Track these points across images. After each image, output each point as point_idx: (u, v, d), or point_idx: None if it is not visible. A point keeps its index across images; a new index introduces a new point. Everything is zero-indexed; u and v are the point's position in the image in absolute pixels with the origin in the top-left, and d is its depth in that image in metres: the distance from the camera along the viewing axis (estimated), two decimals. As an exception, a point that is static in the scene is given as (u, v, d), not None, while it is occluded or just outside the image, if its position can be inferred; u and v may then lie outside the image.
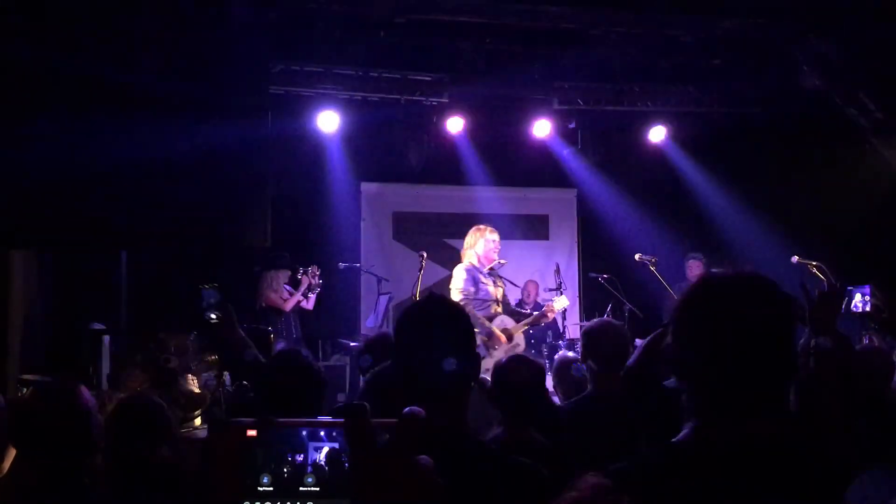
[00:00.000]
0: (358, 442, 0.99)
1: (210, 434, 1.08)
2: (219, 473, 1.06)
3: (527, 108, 8.94)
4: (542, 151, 9.36)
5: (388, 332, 4.62)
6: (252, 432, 1.06)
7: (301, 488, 1.06)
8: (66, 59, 6.02)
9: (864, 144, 8.98)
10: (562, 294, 7.15)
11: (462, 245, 9.60)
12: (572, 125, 9.29)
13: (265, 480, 1.05)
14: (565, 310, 8.17)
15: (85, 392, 2.35)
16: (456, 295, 6.36)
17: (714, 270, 1.47)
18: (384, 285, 8.42)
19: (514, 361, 3.04)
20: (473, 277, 6.43)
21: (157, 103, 6.56)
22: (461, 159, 9.19)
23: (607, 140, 9.36)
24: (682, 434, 1.41)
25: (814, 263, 6.79)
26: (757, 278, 1.43)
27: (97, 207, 6.92)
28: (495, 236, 6.55)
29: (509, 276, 9.44)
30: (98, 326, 6.05)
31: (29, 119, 5.87)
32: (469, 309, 6.15)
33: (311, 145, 8.58)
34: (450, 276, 9.44)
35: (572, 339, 7.68)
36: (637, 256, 7.24)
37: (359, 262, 8.99)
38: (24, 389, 3.50)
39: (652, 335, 2.94)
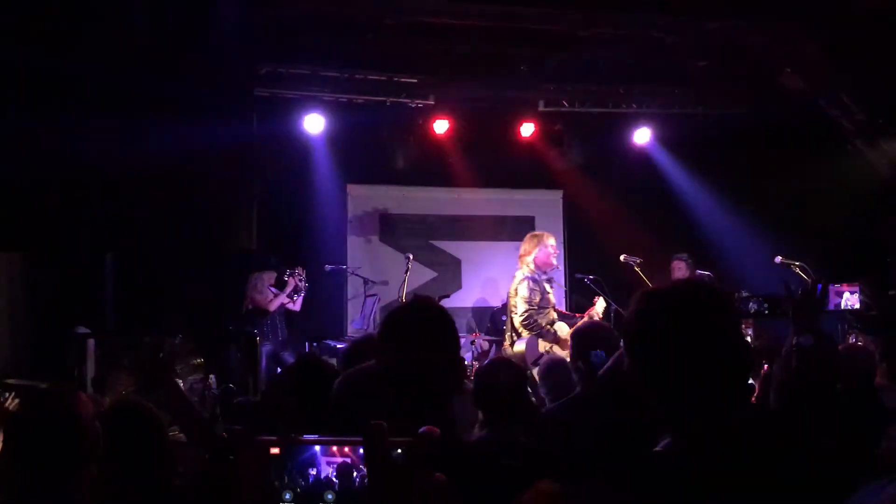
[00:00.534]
0: (375, 460, 1.02)
1: (238, 451, 1.10)
2: (244, 490, 1.09)
3: (512, 110, 8.97)
4: (527, 153, 9.38)
5: (373, 334, 4.63)
6: (275, 450, 1.09)
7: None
8: (49, 59, 5.99)
9: (847, 145, 9.07)
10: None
11: (448, 247, 9.71)
12: (558, 127, 9.32)
13: (287, 497, 1.08)
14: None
15: (84, 399, 2.27)
16: (521, 305, 6.32)
17: (650, 288, 1.50)
18: (371, 287, 8.42)
19: (496, 364, 3.06)
20: (536, 286, 6.42)
21: (141, 105, 6.53)
22: (447, 161, 9.20)
23: (593, 141, 9.40)
24: (661, 444, 1.44)
25: (797, 263, 6.85)
26: (696, 284, 1.49)
27: (82, 209, 6.89)
28: (552, 241, 6.58)
29: (496, 277, 9.50)
30: (83, 330, 6.01)
31: (12, 120, 5.84)
32: (535, 319, 6.19)
33: (298, 147, 8.57)
34: (436, 277, 9.54)
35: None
36: (622, 257, 7.28)
37: (345, 264, 8.98)
38: (7, 394, 3.47)
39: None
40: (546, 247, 6.46)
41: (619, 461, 1.39)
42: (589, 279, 7.76)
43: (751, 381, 2.48)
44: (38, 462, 2.11)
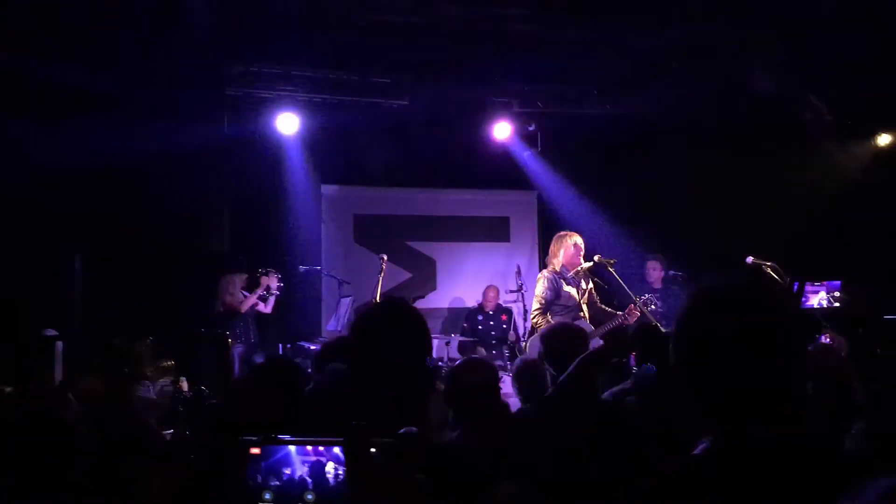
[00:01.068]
0: (357, 460, 1.02)
1: (223, 451, 1.11)
2: (227, 489, 1.10)
3: (487, 111, 8.97)
4: (502, 154, 9.40)
5: (346, 336, 4.60)
6: (256, 450, 1.09)
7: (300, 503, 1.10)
8: (17, 60, 5.90)
9: (816, 146, 9.19)
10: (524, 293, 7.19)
11: (423, 248, 9.70)
12: (532, 127, 9.35)
13: (266, 497, 1.08)
14: (527, 311, 8.22)
15: (72, 400, 2.18)
16: (535, 303, 6.48)
17: (704, 286, 1.46)
18: (345, 288, 8.38)
19: (468, 364, 3.05)
20: (554, 285, 6.48)
21: (110, 105, 6.46)
22: (422, 162, 9.19)
23: (567, 142, 9.43)
24: (700, 448, 1.40)
25: (768, 264, 6.92)
26: (751, 285, 1.43)
27: (50, 210, 6.80)
28: (576, 240, 6.60)
29: (471, 278, 9.50)
30: (51, 332, 5.92)
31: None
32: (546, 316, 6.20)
33: (271, 148, 8.51)
34: (411, 277, 9.53)
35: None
36: (596, 258, 7.29)
37: (320, 265, 8.94)
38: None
39: (586, 354, 2.98)
40: (568, 247, 6.54)
41: (660, 462, 1.36)
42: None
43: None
44: (23, 465, 2.04)
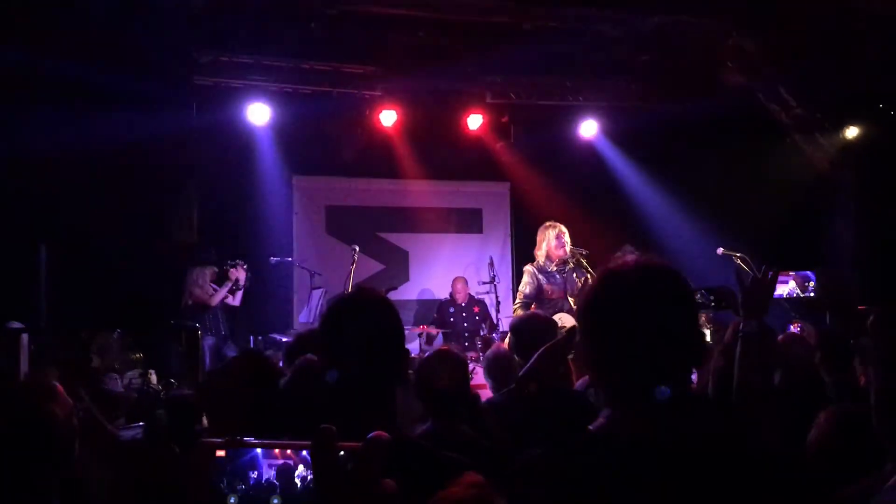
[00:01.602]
0: (323, 464, 1.00)
1: (183, 452, 1.08)
2: (189, 492, 1.06)
3: (460, 102, 8.95)
4: (475, 145, 9.39)
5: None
6: (221, 452, 1.06)
7: None
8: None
9: (786, 139, 9.29)
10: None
11: (395, 239, 9.66)
12: (505, 119, 9.34)
13: (232, 501, 1.06)
14: (499, 302, 8.24)
15: (62, 395, 2.00)
16: (518, 297, 6.49)
17: (613, 263, 1.47)
18: (317, 280, 8.32)
19: (437, 356, 3.04)
20: (535, 279, 6.46)
21: (76, 92, 6.33)
22: (394, 153, 9.15)
23: (540, 134, 9.44)
24: (597, 422, 1.44)
25: (738, 255, 6.98)
26: (657, 267, 1.45)
27: (14, 200, 6.66)
28: (557, 230, 6.53)
29: (443, 269, 9.48)
30: (16, 325, 5.80)
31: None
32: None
33: (242, 138, 8.41)
34: (383, 269, 9.50)
35: (505, 332, 7.72)
36: (568, 249, 7.32)
37: (291, 257, 8.87)
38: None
39: (549, 344, 2.98)
40: (550, 238, 6.51)
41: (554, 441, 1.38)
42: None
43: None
44: (5, 465, 1.88)
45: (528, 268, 6.55)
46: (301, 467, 1.04)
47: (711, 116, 8.41)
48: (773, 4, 7.16)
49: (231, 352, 7.15)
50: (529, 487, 1.35)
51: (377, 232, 9.60)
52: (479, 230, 10.13)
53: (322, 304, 7.97)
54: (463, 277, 8.94)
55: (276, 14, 7.37)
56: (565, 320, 6.27)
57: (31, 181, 6.71)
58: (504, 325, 8.18)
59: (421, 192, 9.67)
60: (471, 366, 3.60)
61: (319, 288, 8.18)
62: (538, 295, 6.46)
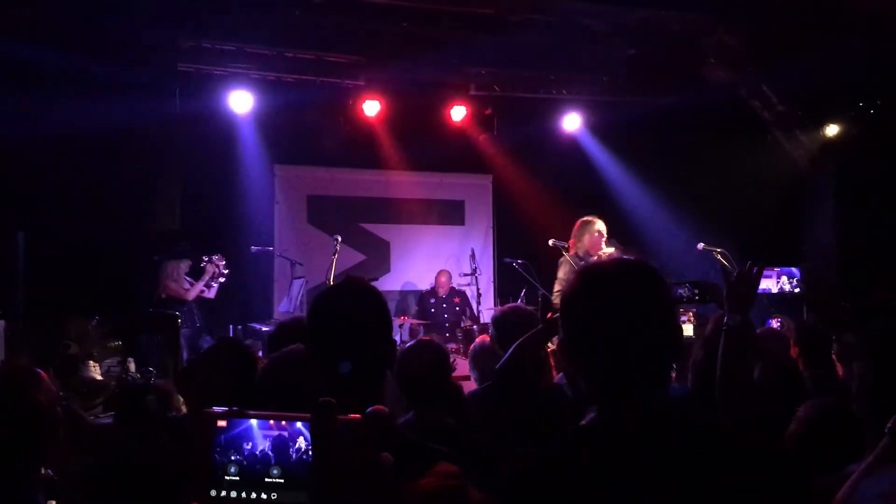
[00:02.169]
0: (323, 438, 1.01)
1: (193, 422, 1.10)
2: (192, 460, 1.09)
3: (443, 93, 8.93)
4: (458, 137, 9.38)
5: (301, 317, 4.55)
6: (223, 422, 1.06)
7: (266, 479, 1.09)
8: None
9: (767, 135, 9.37)
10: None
11: (377, 230, 9.64)
12: (488, 111, 9.34)
13: (232, 470, 1.07)
14: (480, 294, 8.26)
15: (46, 381, 1.96)
16: (557, 284, 6.51)
17: (591, 262, 1.52)
18: (298, 269, 8.30)
19: (417, 346, 3.04)
20: (573, 269, 6.43)
21: (57, 77, 6.25)
22: (377, 143, 9.12)
23: (523, 126, 9.45)
24: (586, 419, 1.46)
25: (718, 250, 7.03)
26: (635, 264, 1.49)
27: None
28: (599, 226, 6.54)
29: (425, 261, 9.49)
30: (-8, 312, 5.74)
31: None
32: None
33: (224, 126, 8.34)
34: (364, 260, 9.48)
35: (486, 324, 7.74)
36: (551, 242, 7.33)
37: (272, 246, 8.83)
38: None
39: (527, 335, 3.00)
40: (592, 233, 6.51)
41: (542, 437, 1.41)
42: (517, 263, 7.83)
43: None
44: None
45: (567, 258, 6.55)
46: (300, 440, 1.06)
47: (694, 112, 8.47)
48: (757, 1, 7.21)
49: (207, 344, 7.10)
50: (525, 486, 1.36)
51: (359, 222, 9.58)
52: (462, 222, 10.14)
53: (303, 294, 7.95)
54: (447, 271, 8.95)
55: (259, 1, 7.31)
56: None
57: (10, 168, 6.62)
58: (485, 317, 8.21)
59: (403, 183, 9.66)
60: (452, 357, 3.61)
61: (300, 278, 8.15)
62: None
